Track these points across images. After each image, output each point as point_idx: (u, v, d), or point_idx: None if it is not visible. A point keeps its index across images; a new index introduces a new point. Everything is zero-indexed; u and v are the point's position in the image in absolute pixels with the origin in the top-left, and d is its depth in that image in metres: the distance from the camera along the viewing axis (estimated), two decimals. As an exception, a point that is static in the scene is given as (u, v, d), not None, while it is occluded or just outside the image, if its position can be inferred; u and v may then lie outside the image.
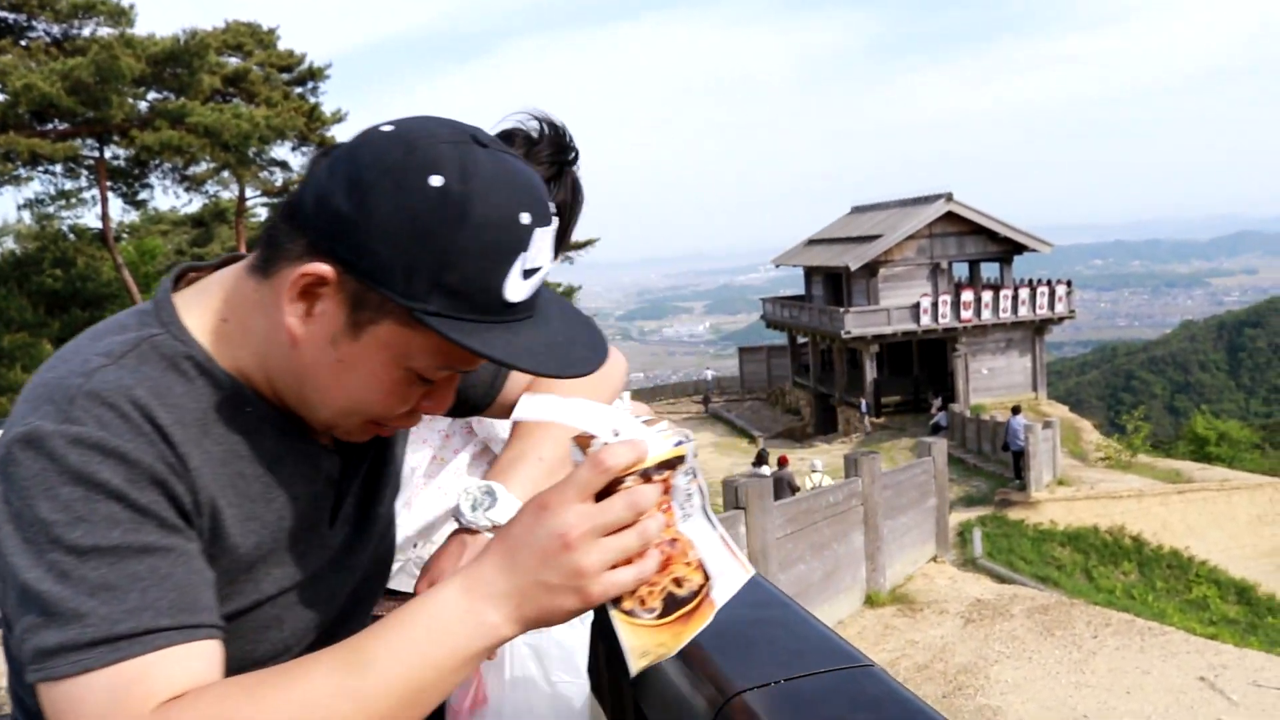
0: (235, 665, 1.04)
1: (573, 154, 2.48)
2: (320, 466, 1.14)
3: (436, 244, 0.94)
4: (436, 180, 0.94)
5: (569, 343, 1.06)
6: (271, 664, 1.08)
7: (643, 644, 0.97)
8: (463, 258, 0.95)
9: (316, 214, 0.98)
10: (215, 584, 1.01)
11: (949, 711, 7.49)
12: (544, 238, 1.00)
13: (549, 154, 2.43)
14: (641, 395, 52.06)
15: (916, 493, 12.87)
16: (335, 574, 1.19)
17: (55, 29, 23.25)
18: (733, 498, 8.25)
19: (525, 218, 0.97)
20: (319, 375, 1.03)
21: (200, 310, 1.08)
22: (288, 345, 1.02)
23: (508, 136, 2.48)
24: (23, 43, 22.79)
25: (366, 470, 1.22)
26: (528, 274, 0.99)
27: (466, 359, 1.01)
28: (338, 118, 30.42)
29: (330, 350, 1.01)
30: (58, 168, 25.33)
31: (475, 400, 1.49)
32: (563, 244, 2.58)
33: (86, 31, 23.01)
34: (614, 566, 0.93)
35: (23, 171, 24.04)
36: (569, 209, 2.50)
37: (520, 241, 0.97)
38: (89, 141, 24.26)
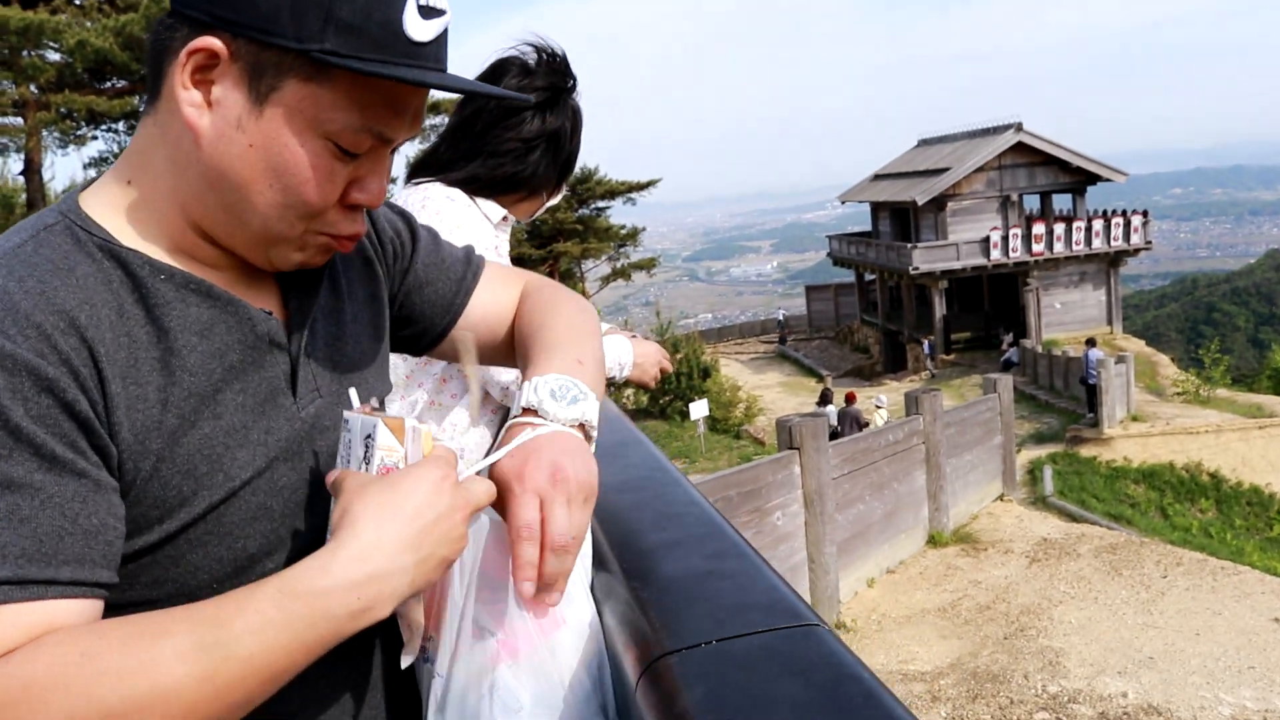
0: (230, 566, 1.00)
1: (570, 80, 2.34)
2: (258, 330, 1.04)
3: None
4: None
5: (484, 87, 1.06)
6: (274, 558, 1.04)
7: (418, 618, 1.04)
8: None
9: None
10: (170, 490, 0.94)
11: (1010, 653, 7.33)
12: None
13: (544, 80, 2.29)
14: (709, 335, 52.06)
15: (981, 430, 12.58)
16: (318, 449, 1.09)
17: (108, -13, 23.42)
18: (786, 438, 8.08)
19: None
20: (235, 170, 0.96)
21: (101, 193, 1.01)
22: (194, 155, 0.96)
23: (502, 65, 2.35)
24: (77, 2, 22.98)
25: (325, 339, 1.14)
26: (426, 12, 0.96)
27: (385, 119, 0.98)
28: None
29: (239, 137, 0.94)
30: (120, 125, 25.62)
31: (437, 316, 1.35)
32: (568, 169, 2.45)
33: (138, -13, 23.16)
34: None
35: (85, 130, 24.35)
36: (568, 135, 2.37)
37: None
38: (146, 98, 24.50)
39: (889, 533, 9.62)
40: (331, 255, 1.09)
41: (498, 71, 2.30)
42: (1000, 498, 12.92)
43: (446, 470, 0.95)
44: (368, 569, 0.87)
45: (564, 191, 2.53)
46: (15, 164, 23.97)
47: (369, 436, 0.99)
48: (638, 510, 1.43)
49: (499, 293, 1.39)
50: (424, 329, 1.35)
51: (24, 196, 23.17)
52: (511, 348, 1.38)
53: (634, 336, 2.61)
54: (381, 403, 1.19)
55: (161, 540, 0.95)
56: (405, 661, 1.04)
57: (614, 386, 2.62)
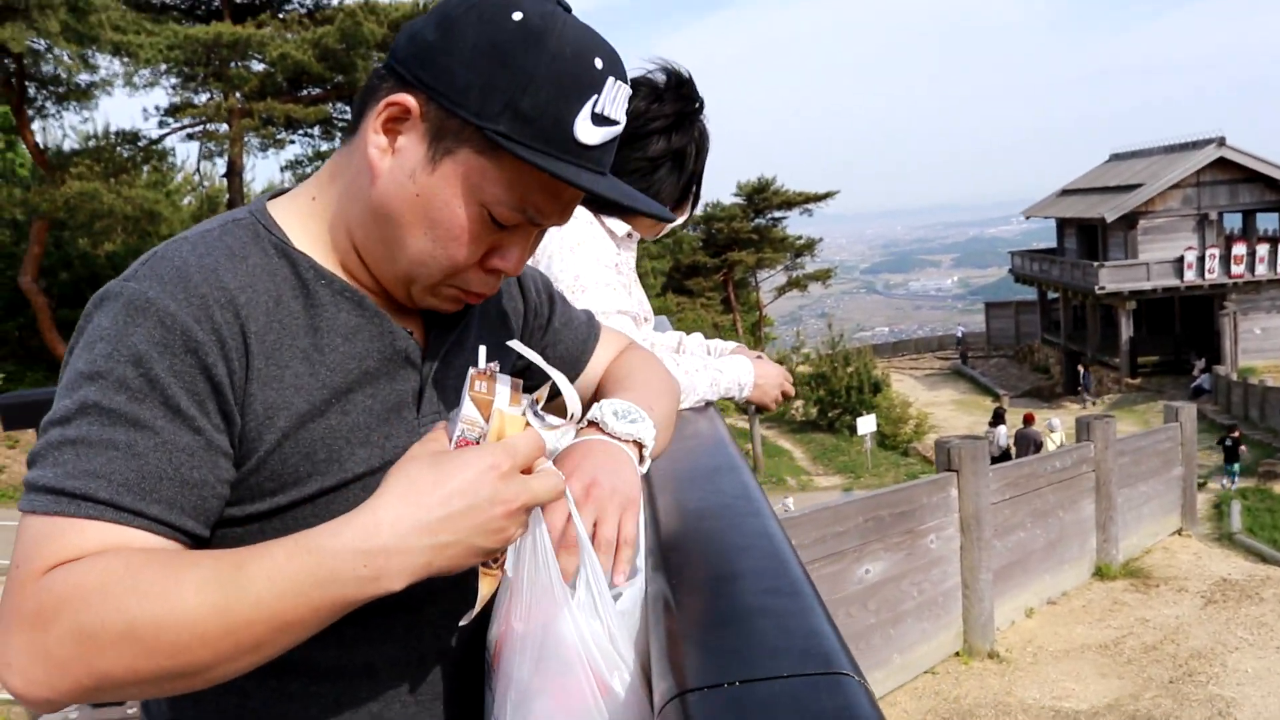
0: None
1: (697, 103, 2.36)
2: (397, 344, 1.14)
3: (512, 66, 1.01)
4: (518, 15, 1.02)
5: (635, 197, 1.13)
6: None
7: (485, 591, 1.04)
8: (536, 83, 1.02)
9: (406, 48, 1.07)
10: (288, 467, 1.04)
11: (1175, 698, 6.95)
12: (618, 91, 1.07)
13: (672, 102, 2.32)
14: (884, 349, 51.20)
15: (1159, 460, 11.95)
16: None
17: (309, 1, 24.71)
18: (945, 459, 7.87)
19: (599, 62, 1.05)
20: (399, 212, 1.07)
21: (289, 202, 1.15)
22: (367, 189, 1.08)
23: (632, 86, 2.38)
24: (280, 15, 24.36)
25: (455, 370, 1.21)
26: (599, 121, 1.06)
27: (538, 204, 1.08)
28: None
29: (409, 184, 1.06)
30: (315, 130, 26.95)
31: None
32: (693, 189, 2.46)
33: (335, 1, 24.33)
34: None
35: (284, 135, 25.74)
36: (693, 155, 2.38)
37: (594, 81, 1.04)
38: (339, 105, 25.71)
39: (1050, 562, 9.26)
40: (461, 306, 1.18)
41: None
42: (1178, 532, 12.26)
43: (500, 460, 0.95)
44: (377, 542, 0.89)
45: (689, 212, 2.55)
46: (220, 167, 25.53)
47: (459, 406, 1.03)
48: (708, 539, 1.42)
49: (604, 355, 1.50)
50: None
51: (226, 197, 24.64)
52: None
53: (759, 357, 2.60)
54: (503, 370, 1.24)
55: (270, 511, 1.05)
56: (462, 620, 1.08)
57: (735, 405, 2.62)
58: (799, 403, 30.96)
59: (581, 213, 2.26)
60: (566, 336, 1.43)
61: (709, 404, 2.35)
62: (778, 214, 47.67)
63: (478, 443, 1.00)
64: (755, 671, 1.01)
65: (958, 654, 7.58)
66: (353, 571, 0.89)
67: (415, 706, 1.19)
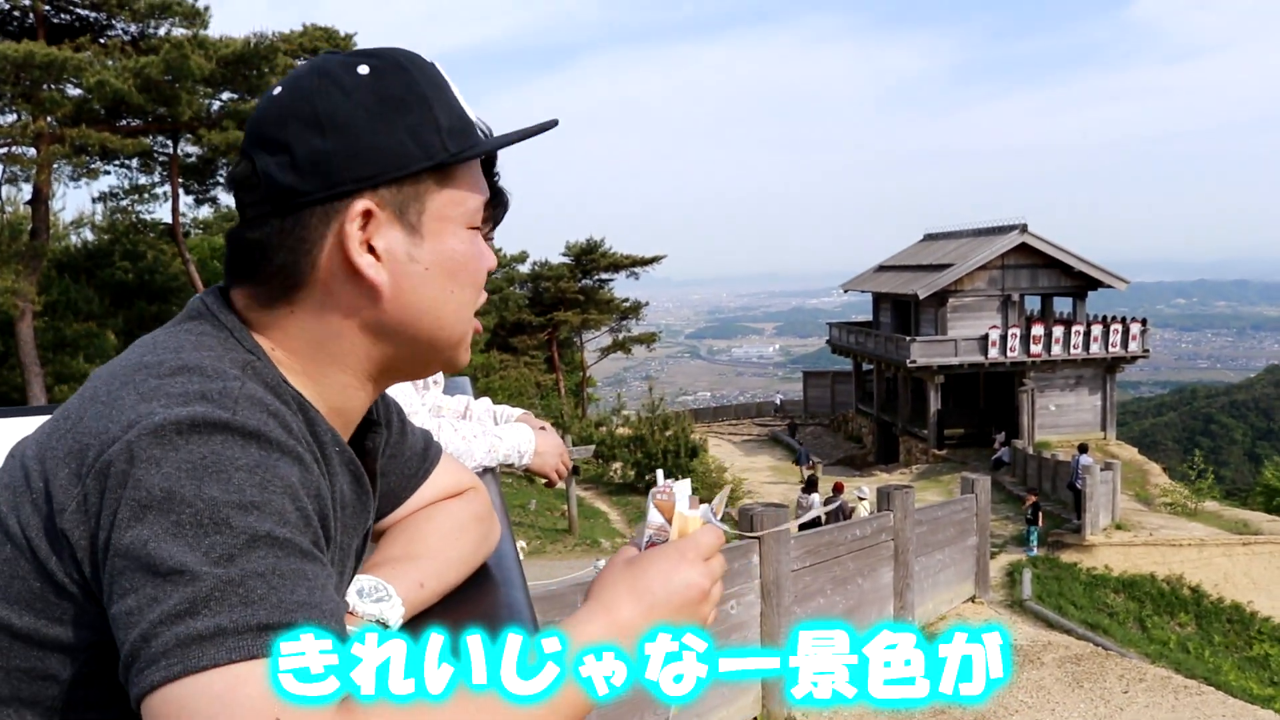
0: None
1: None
2: (366, 519, 1.15)
3: (409, 100, 1.01)
4: (363, 67, 1.01)
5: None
6: None
7: None
8: (428, 98, 1.02)
9: (310, 173, 0.97)
10: None
11: (958, 761, 7.19)
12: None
13: None
14: (704, 414, 51.98)
15: (955, 530, 12.45)
16: None
17: (133, 28, 23.84)
18: (748, 525, 8.02)
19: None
20: (422, 298, 1.04)
21: (266, 347, 1.04)
22: (373, 312, 1.02)
23: None
24: (101, 41, 23.37)
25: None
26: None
27: (483, 186, 1.10)
28: (407, 124, 30.72)
29: (414, 268, 1.02)
30: (133, 163, 25.90)
31: (383, 507, 1.32)
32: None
33: (162, 31, 23.54)
34: None
35: (98, 164, 24.64)
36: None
37: (435, 69, 1.06)
38: (161, 139, 24.80)
39: (851, 628, 9.48)
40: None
41: None
42: (972, 599, 12.77)
43: (684, 551, 1.02)
44: (628, 644, 0.94)
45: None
46: (25, 193, 24.20)
47: (645, 514, 1.10)
48: (446, 605, 1.39)
49: (424, 494, 1.39)
50: (403, 480, 1.38)
51: (29, 225, 23.33)
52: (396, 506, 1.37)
53: (543, 428, 2.60)
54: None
55: None
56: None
57: (514, 472, 2.61)
58: (617, 465, 31.05)
59: None
60: (391, 469, 1.31)
61: (488, 470, 2.33)
62: (605, 275, 48.20)
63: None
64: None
65: (756, 719, 7.66)
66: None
67: None
